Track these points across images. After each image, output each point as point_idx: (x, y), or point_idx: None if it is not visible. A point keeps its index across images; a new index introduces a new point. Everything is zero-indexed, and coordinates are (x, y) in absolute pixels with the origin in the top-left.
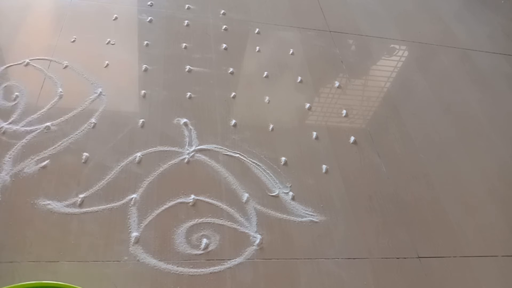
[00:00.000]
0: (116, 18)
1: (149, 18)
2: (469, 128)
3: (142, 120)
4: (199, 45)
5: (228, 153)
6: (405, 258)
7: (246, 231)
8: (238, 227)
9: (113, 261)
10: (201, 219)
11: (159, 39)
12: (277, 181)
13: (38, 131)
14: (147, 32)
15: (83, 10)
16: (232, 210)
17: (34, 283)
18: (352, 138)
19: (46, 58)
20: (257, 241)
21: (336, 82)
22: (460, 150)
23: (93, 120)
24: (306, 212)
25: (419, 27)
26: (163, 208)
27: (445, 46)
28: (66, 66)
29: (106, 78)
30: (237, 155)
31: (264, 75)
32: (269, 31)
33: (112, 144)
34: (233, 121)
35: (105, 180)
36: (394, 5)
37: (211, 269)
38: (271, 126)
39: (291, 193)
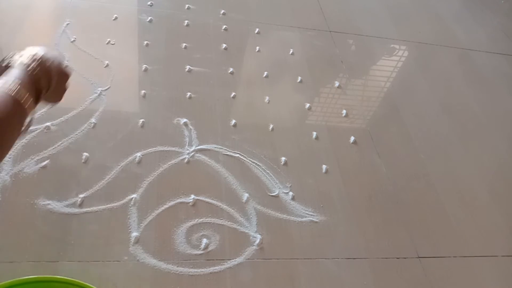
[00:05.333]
0: (116, 18)
1: (149, 18)
2: (469, 128)
3: (142, 120)
4: (199, 45)
5: (228, 153)
6: (405, 258)
7: (246, 231)
8: (238, 227)
9: (113, 261)
10: (201, 219)
11: (159, 39)
12: (277, 181)
13: (38, 131)
14: (147, 32)
15: (83, 10)
16: (232, 210)
17: (33, 277)
18: (352, 138)
19: None
20: (257, 241)
21: (336, 82)
22: (460, 150)
23: (93, 120)
24: (306, 212)
25: (419, 27)
26: (163, 208)
27: (445, 46)
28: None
29: (106, 78)
30: (237, 155)
31: (264, 75)
32: (269, 31)
33: (112, 144)
34: (233, 121)
35: (105, 180)
36: (394, 5)
37: (211, 269)
38: (271, 126)
39: (291, 193)
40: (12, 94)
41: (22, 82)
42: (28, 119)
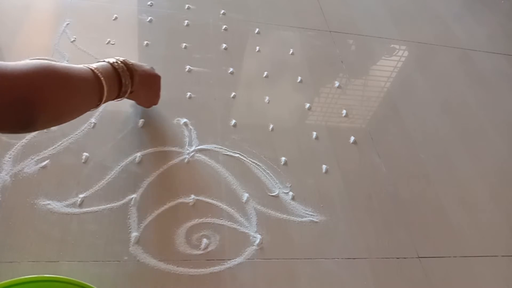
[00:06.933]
0: (116, 18)
1: (149, 18)
2: (469, 128)
3: (142, 120)
4: (199, 45)
5: (228, 153)
6: (405, 258)
7: (246, 231)
8: (238, 227)
9: (113, 261)
10: (201, 219)
11: (159, 39)
12: (277, 181)
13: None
14: (147, 32)
15: (83, 10)
16: (232, 210)
17: (33, 277)
18: (352, 138)
19: (46, 58)
20: (257, 241)
21: (336, 82)
22: (460, 150)
23: (93, 120)
24: (306, 212)
25: (419, 27)
26: (163, 208)
27: (445, 46)
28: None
29: None
30: (237, 155)
31: (264, 75)
32: (269, 31)
33: (112, 144)
34: (233, 121)
35: (105, 180)
36: (394, 5)
37: (211, 269)
38: (271, 126)
39: (291, 193)
40: (91, 68)
41: (103, 67)
42: (103, 101)
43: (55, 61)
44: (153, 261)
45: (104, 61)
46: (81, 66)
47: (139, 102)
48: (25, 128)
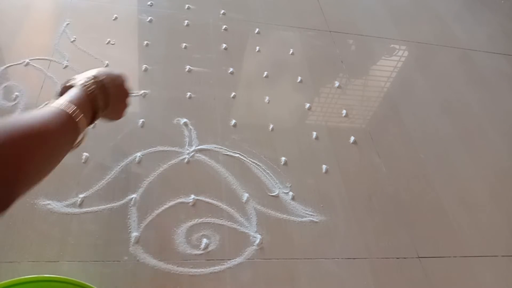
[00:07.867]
0: (116, 18)
1: (149, 18)
2: (469, 128)
3: (142, 120)
4: (199, 45)
5: (228, 153)
6: (405, 258)
7: (246, 231)
8: (238, 227)
9: (113, 261)
10: (201, 219)
11: (159, 39)
12: (277, 181)
13: None
14: (147, 32)
15: (83, 10)
16: (232, 210)
17: (33, 277)
18: (352, 138)
19: (46, 58)
20: (257, 241)
21: (336, 82)
22: (460, 150)
23: None
24: (306, 212)
25: (419, 27)
26: (163, 208)
27: (445, 46)
28: (66, 66)
29: None
30: (237, 155)
31: (264, 75)
32: (269, 31)
33: (112, 144)
34: (233, 121)
35: (105, 180)
36: (394, 5)
37: (211, 269)
38: (271, 126)
39: (291, 193)
40: (67, 111)
41: (77, 100)
42: (80, 136)
43: (55, 61)
44: (153, 261)
45: (81, 85)
46: (53, 109)
47: (103, 119)
48: (5, 208)
